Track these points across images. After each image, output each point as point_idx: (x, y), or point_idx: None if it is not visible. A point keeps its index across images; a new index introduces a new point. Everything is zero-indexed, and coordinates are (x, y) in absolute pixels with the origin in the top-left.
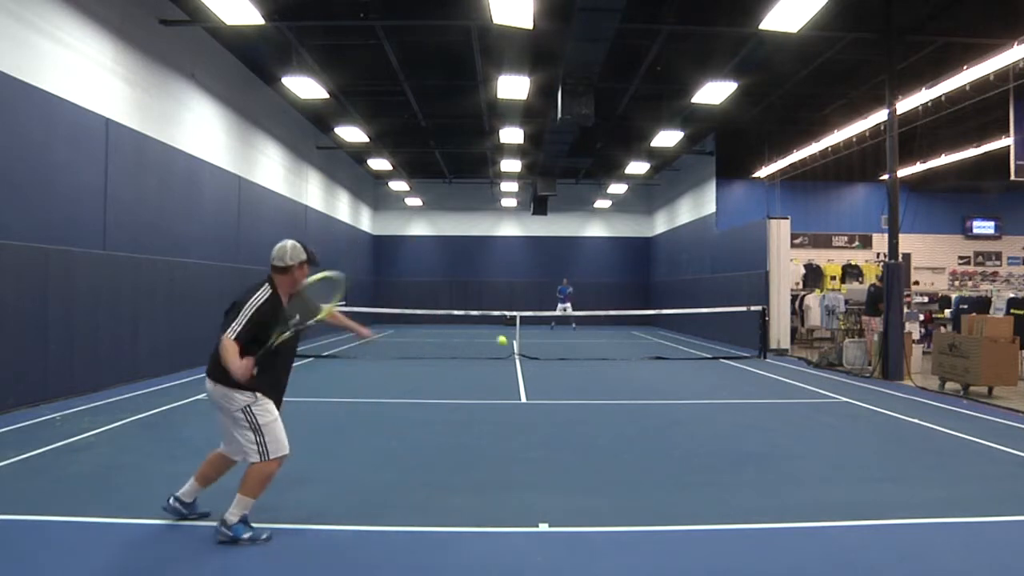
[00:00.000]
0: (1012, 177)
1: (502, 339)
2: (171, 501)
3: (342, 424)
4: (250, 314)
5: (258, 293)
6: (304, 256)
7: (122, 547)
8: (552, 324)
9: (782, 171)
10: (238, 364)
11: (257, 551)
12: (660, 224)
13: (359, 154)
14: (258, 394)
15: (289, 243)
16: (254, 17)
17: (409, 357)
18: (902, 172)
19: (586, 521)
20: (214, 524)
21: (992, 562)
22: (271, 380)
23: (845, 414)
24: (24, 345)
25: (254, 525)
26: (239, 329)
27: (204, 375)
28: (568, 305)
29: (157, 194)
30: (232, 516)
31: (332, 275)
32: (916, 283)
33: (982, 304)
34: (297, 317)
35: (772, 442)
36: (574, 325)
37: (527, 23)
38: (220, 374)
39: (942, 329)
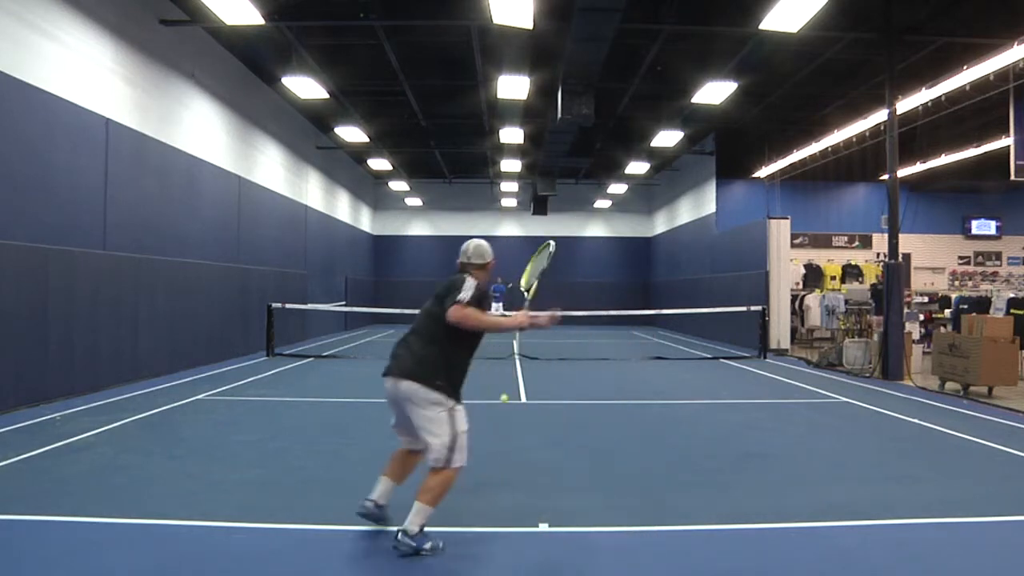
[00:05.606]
0: (1012, 177)
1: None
2: (367, 504)
3: (344, 424)
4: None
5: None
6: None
7: (122, 547)
8: None
9: (782, 171)
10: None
11: (253, 550)
12: (660, 224)
13: (359, 154)
14: (457, 398)
15: (482, 242)
16: (254, 17)
17: None
18: (902, 172)
19: (586, 521)
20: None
21: (992, 562)
22: (460, 380)
23: (845, 414)
24: (24, 345)
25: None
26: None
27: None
28: (500, 306)
29: (157, 194)
30: (413, 526)
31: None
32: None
33: (982, 304)
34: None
35: (772, 442)
36: None
37: (527, 23)
38: (425, 373)
39: (942, 329)
